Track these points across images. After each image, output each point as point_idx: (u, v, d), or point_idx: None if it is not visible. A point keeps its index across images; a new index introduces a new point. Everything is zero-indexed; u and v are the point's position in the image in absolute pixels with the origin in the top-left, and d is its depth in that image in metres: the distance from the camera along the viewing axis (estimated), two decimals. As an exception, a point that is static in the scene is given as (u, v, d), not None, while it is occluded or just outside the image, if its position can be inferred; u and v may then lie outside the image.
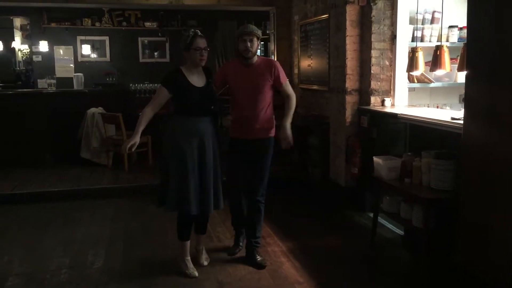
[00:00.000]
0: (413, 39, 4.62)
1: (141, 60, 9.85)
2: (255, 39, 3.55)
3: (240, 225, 3.96)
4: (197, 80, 3.45)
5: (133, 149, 3.38)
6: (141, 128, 3.40)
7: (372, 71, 4.72)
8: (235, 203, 3.87)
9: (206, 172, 3.43)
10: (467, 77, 3.07)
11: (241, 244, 3.97)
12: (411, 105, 4.78)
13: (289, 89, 3.73)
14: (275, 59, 7.08)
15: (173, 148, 3.41)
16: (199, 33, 3.42)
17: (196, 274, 3.53)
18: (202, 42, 3.38)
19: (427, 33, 4.72)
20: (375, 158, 3.89)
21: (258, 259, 3.70)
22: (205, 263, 3.70)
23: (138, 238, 4.37)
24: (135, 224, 4.73)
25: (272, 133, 3.73)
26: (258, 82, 3.61)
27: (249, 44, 3.52)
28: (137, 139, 3.36)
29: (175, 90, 3.39)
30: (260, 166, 3.71)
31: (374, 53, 4.70)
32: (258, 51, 3.71)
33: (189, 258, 3.61)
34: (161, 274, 3.58)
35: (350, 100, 4.92)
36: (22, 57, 10.55)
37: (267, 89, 3.64)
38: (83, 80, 7.68)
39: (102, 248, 4.09)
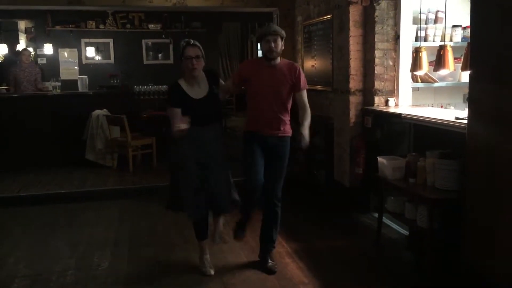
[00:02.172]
0: (417, 39, 4.61)
1: (145, 62, 9.90)
2: (279, 39, 3.46)
3: (249, 213, 3.76)
4: (197, 90, 3.44)
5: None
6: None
7: (375, 71, 4.72)
8: (251, 200, 3.64)
9: (213, 177, 3.45)
10: (471, 76, 3.07)
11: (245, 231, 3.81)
12: (415, 105, 4.77)
13: (305, 99, 3.61)
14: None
15: (179, 158, 3.46)
16: (191, 42, 3.41)
17: (212, 272, 3.56)
18: (193, 51, 3.36)
19: (430, 32, 4.71)
20: (379, 158, 3.89)
21: (269, 264, 3.64)
22: (218, 240, 3.70)
23: (143, 239, 4.39)
24: (140, 225, 4.74)
25: (289, 132, 3.64)
26: (280, 85, 3.51)
27: (273, 44, 3.43)
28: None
29: (180, 105, 3.40)
30: (276, 165, 3.60)
31: (377, 53, 4.69)
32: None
33: (207, 256, 3.64)
34: (167, 275, 3.60)
35: (354, 100, 4.92)
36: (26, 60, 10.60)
37: (287, 92, 3.55)
38: (87, 82, 7.73)
39: (108, 250, 4.10)
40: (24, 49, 8.23)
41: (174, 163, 3.53)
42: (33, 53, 9.86)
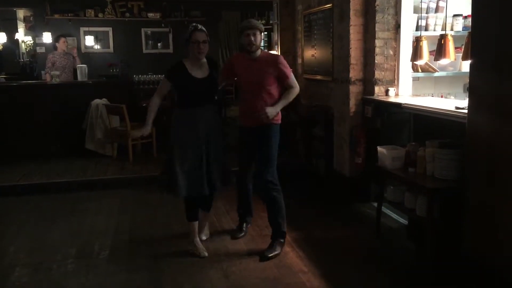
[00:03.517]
0: (417, 28, 4.60)
1: (144, 51, 9.88)
2: (257, 32, 3.69)
3: (245, 212, 4.16)
4: (199, 72, 3.66)
5: (142, 136, 3.73)
6: (151, 117, 3.69)
7: (376, 61, 4.70)
8: (241, 189, 4.08)
9: (209, 157, 3.65)
10: (471, 66, 3.06)
11: (244, 229, 4.13)
12: (415, 94, 4.77)
13: (293, 82, 3.80)
14: (279, 51, 7.07)
15: (178, 136, 3.65)
16: (199, 27, 3.60)
17: (206, 254, 3.69)
18: (200, 36, 3.56)
19: (431, 22, 4.69)
20: (379, 148, 3.89)
21: (269, 250, 3.70)
22: (204, 237, 3.91)
23: (143, 228, 4.40)
24: (140, 215, 4.76)
25: (277, 120, 3.81)
26: (262, 76, 3.71)
27: (252, 38, 3.66)
28: (148, 129, 3.69)
29: (176, 82, 3.66)
30: (265, 148, 3.78)
31: (378, 42, 4.68)
32: (262, 43, 3.87)
33: (198, 239, 3.79)
34: (167, 264, 3.62)
35: (354, 90, 4.92)
36: (26, 48, 10.56)
37: (271, 82, 3.72)
38: (86, 72, 7.70)
39: (108, 238, 4.12)
40: (61, 36, 7.96)
41: (172, 141, 3.67)
42: (32, 41, 9.83)
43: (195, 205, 3.77)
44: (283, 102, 3.76)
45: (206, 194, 3.66)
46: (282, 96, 3.78)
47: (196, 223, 3.79)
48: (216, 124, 3.77)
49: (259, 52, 3.77)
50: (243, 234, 4.09)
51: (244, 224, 4.15)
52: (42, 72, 7.96)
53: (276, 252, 3.70)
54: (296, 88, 3.81)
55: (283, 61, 3.79)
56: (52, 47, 8.19)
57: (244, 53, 3.82)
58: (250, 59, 3.76)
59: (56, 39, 7.97)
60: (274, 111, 3.68)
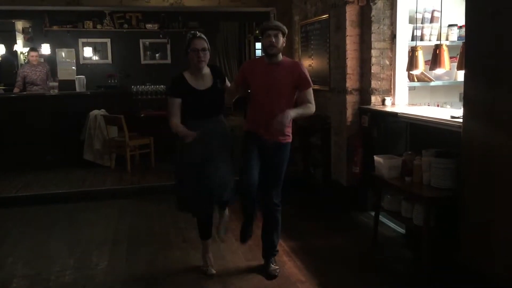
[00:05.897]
0: (413, 38, 4.64)
1: (142, 61, 9.91)
2: (280, 34, 3.32)
3: (250, 221, 3.67)
4: (201, 82, 3.41)
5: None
6: (180, 127, 3.30)
7: (372, 71, 4.74)
8: (246, 196, 3.51)
9: (217, 171, 3.39)
10: (466, 75, 3.09)
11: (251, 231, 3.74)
12: (411, 104, 4.79)
13: (311, 98, 3.44)
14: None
15: (184, 151, 3.40)
16: (198, 35, 3.37)
17: (213, 271, 3.56)
18: (199, 43, 3.32)
19: (426, 32, 4.74)
20: (376, 157, 3.91)
21: (271, 268, 3.54)
22: (222, 232, 3.67)
23: (142, 238, 4.40)
24: (138, 225, 4.76)
25: (289, 138, 3.53)
26: (281, 83, 3.37)
27: (273, 39, 3.29)
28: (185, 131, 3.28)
29: (181, 96, 3.38)
30: (277, 169, 3.50)
31: (374, 52, 4.72)
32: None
33: (210, 255, 3.65)
34: (165, 274, 3.62)
35: (351, 99, 4.95)
36: (24, 60, 10.59)
37: (289, 91, 3.41)
38: (85, 82, 7.73)
39: (106, 249, 4.12)
40: (31, 49, 7.98)
41: (178, 160, 3.46)
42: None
43: (206, 223, 3.60)
44: (299, 111, 3.39)
45: (209, 213, 3.48)
46: (299, 106, 3.43)
47: (209, 241, 3.66)
48: (224, 137, 3.49)
49: (280, 57, 3.39)
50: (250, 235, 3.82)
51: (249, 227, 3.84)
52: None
53: (278, 267, 3.60)
54: (313, 107, 3.45)
55: (304, 68, 3.47)
56: (50, 58, 8.25)
57: (263, 58, 3.47)
58: (270, 63, 3.38)
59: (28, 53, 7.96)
60: (287, 118, 3.26)
